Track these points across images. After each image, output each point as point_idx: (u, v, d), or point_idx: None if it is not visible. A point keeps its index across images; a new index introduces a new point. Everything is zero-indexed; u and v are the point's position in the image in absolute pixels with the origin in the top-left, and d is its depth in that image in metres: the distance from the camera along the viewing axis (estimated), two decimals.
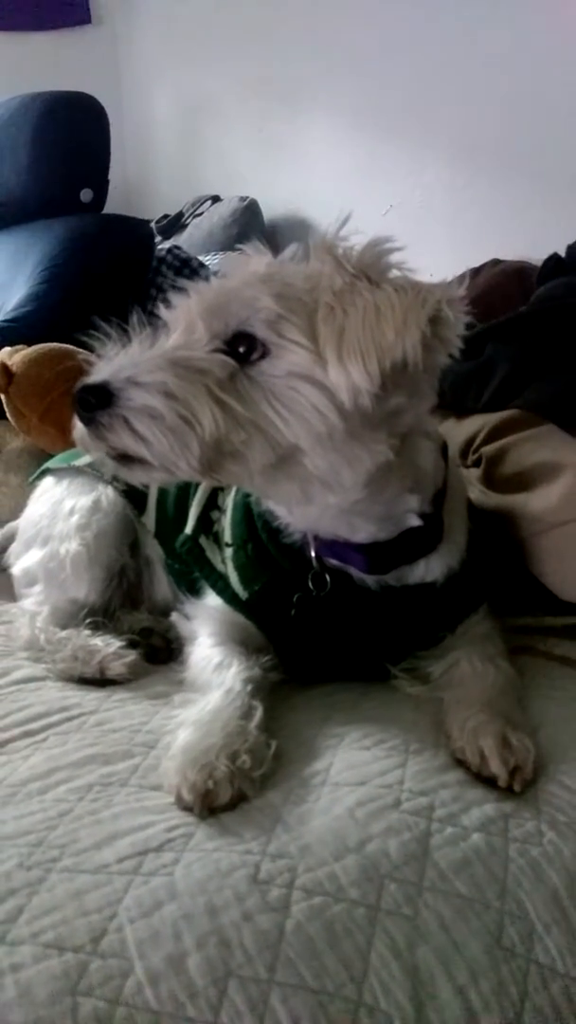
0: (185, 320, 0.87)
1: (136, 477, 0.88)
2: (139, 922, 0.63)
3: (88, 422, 0.84)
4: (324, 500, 0.87)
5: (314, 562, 0.94)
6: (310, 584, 0.94)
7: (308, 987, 0.62)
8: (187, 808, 0.74)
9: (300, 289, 0.84)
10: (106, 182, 2.41)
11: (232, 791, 0.75)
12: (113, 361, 0.85)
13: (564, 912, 0.70)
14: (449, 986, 0.64)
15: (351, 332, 0.80)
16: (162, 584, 1.19)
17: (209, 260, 2.39)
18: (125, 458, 0.84)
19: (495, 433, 1.17)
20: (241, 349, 0.83)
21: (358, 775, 0.80)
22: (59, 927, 0.63)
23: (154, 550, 1.18)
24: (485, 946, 0.67)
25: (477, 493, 1.14)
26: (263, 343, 0.83)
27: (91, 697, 0.97)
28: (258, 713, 0.84)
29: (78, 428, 0.86)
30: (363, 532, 0.92)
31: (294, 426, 0.82)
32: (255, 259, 0.90)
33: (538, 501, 1.04)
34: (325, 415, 0.81)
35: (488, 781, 0.80)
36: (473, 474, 1.17)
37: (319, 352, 0.81)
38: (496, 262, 1.52)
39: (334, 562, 0.94)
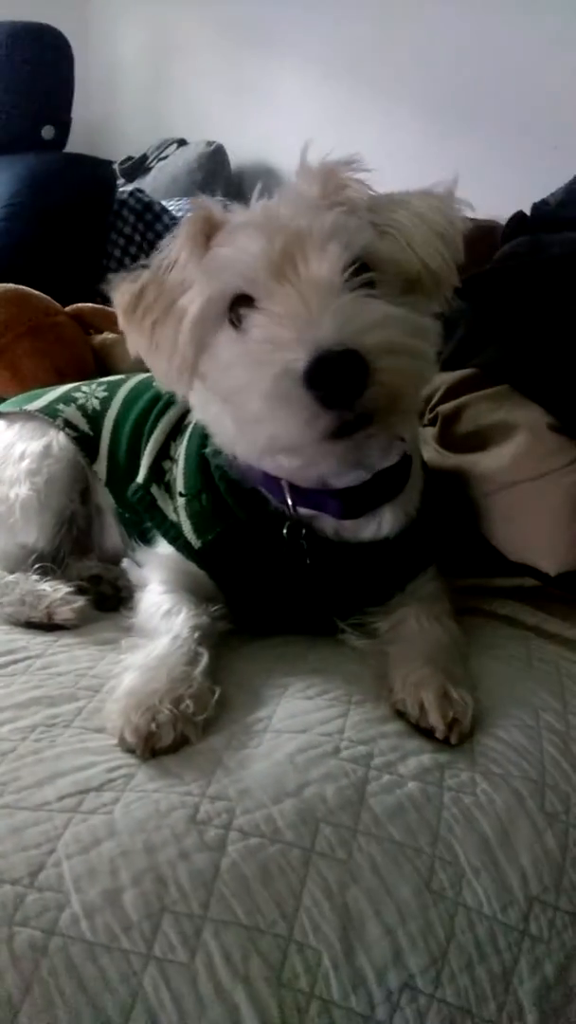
0: (288, 244, 0.81)
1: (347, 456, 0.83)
2: (77, 858, 0.64)
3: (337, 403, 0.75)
4: None
5: (290, 511, 0.93)
6: (284, 533, 0.93)
7: (240, 923, 0.63)
8: (129, 750, 0.75)
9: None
10: (69, 120, 2.35)
11: (175, 734, 0.75)
12: (311, 320, 0.76)
13: (493, 858, 0.73)
14: (378, 926, 0.67)
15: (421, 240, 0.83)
16: (112, 533, 1.18)
17: (172, 205, 2.34)
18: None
19: (451, 392, 1.17)
20: (361, 277, 0.81)
21: (300, 723, 0.81)
22: None
23: (105, 499, 1.17)
24: (415, 889, 0.69)
25: (432, 452, 1.15)
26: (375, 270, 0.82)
27: (38, 641, 0.97)
28: (204, 660, 0.85)
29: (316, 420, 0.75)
30: (348, 477, 0.92)
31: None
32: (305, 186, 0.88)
33: (490, 461, 1.05)
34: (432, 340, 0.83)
35: (426, 733, 0.81)
36: (428, 433, 1.17)
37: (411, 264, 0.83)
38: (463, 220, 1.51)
39: (303, 511, 0.94)
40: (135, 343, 0.91)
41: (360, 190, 0.86)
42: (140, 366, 1.73)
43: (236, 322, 0.84)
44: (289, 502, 0.93)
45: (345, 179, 0.87)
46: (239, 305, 0.83)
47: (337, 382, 0.74)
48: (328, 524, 0.95)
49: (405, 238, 0.85)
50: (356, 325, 0.75)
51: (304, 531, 0.94)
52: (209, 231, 0.88)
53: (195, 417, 0.99)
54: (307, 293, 0.78)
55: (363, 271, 0.81)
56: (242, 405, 0.80)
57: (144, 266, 0.92)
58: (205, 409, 0.94)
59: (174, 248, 0.89)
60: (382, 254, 0.84)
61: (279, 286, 0.80)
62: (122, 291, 0.91)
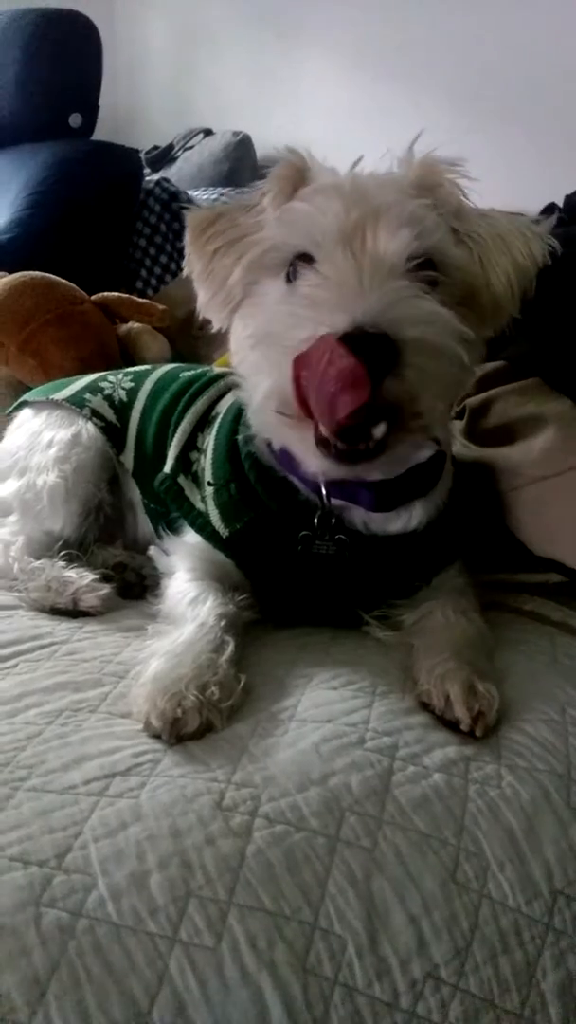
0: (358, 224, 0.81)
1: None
2: (103, 841, 0.65)
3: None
4: None
5: (325, 501, 0.93)
6: (315, 523, 0.94)
7: (265, 909, 0.63)
8: (155, 735, 0.76)
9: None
10: (96, 107, 2.35)
11: (200, 720, 0.76)
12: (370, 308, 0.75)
13: (519, 851, 0.73)
14: (403, 915, 0.67)
15: (495, 261, 0.83)
16: (146, 524, 1.18)
17: (198, 195, 2.34)
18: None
19: (480, 385, 1.17)
20: (423, 273, 0.81)
21: (325, 713, 0.81)
22: (24, 842, 0.64)
23: (133, 490, 1.18)
24: (440, 880, 0.69)
25: (459, 446, 1.14)
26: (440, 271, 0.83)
27: (63, 627, 0.98)
28: (229, 648, 0.85)
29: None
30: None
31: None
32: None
33: (518, 455, 1.05)
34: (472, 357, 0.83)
35: (451, 725, 0.81)
36: (456, 426, 1.17)
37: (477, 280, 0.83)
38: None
39: (334, 502, 0.94)
40: (192, 264, 0.93)
41: (453, 192, 0.86)
42: (164, 356, 1.74)
43: (291, 275, 0.85)
44: (323, 491, 0.93)
45: (443, 177, 0.87)
46: (300, 261, 0.84)
47: (364, 356, 0.73)
48: (357, 516, 0.95)
49: (480, 253, 0.85)
50: (399, 313, 0.75)
51: (334, 521, 0.93)
52: (297, 182, 0.89)
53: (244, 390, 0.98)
54: (364, 266, 0.78)
55: (427, 267, 0.81)
56: (265, 352, 0.81)
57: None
58: (241, 357, 0.94)
59: (263, 189, 0.91)
60: (451, 259, 0.84)
61: (341, 254, 0.80)
62: (198, 213, 0.93)
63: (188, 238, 0.93)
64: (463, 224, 0.86)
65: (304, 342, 0.75)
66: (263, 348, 0.82)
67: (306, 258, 0.83)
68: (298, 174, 0.90)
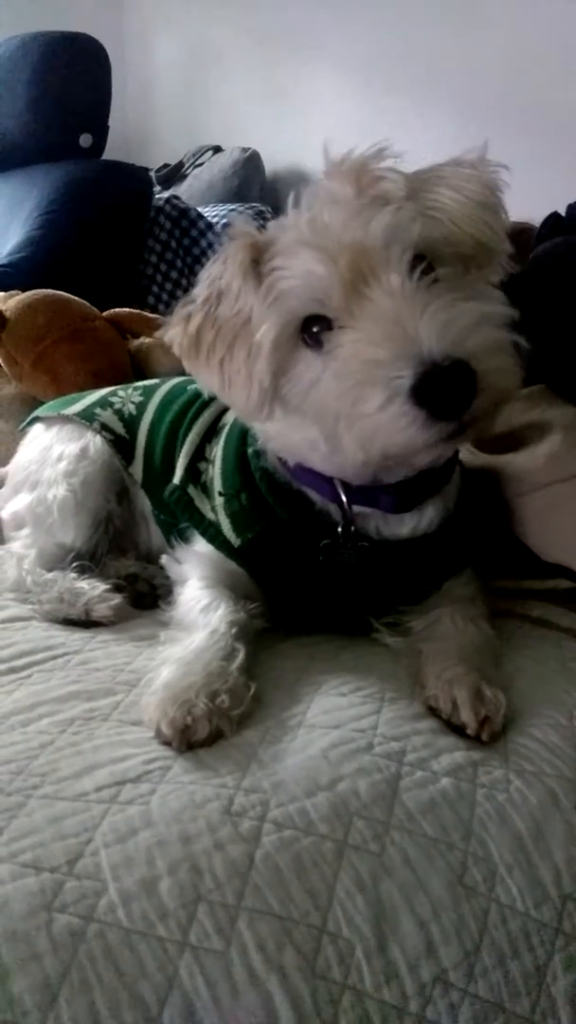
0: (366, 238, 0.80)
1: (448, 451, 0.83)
2: (114, 847, 0.65)
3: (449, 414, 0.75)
4: None
5: (345, 509, 0.94)
6: (339, 532, 0.94)
7: (274, 913, 0.64)
8: (166, 742, 0.77)
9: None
10: (106, 127, 2.38)
11: (210, 728, 0.77)
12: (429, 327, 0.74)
13: (527, 855, 0.73)
14: (411, 919, 0.67)
15: (464, 215, 0.83)
16: (158, 535, 1.19)
17: (208, 212, 2.36)
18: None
19: None
20: (420, 268, 0.80)
21: (333, 719, 0.82)
22: (36, 849, 0.65)
23: (143, 501, 1.19)
24: (448, 884, 0.69)
25: (465, 452, 1.14)
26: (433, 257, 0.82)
27: (75, 638, 0.99)
28: (240, 656, 0.86)
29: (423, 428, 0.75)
30: (401, 471, 0.91)
31: None
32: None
33: (524, 461, 1.05)
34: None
35: (458, 730, 0.82)
36: None
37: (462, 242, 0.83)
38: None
39: (355, 509, 0.94)
40: (206, 382, 0.90)
41: (395, 180, 0.84)
42: (176, 371, 1.75)
43: (311, 343, 0.83)
44: (343, 499, 0.94)
45: (378, 172, 0.85)
46: (310, 325, 0.83)
47: (447, 394, 0.74)
48: (371, 522, 0.96)
49: (449, 217, 0.84)
50: (454, 331, 0.74)
51: (352, 529, 0.94)
52: (256, 256, 0.86)
53: (256, 428, 0.99)
54: (393, 307, 0.76)
55: (426, 267, 0.80)
56: (339, 426, 0.80)
57: (187, 301, 0.90)
58: (271, 427, 0.94)
59: (223, 278, 0.87)
60: (435, 240, 0.83)
61: (356, 303, 0.79)
62: (179, 334, 0.89)
63: (186, 364, 0.90)
64: (419, 201, 0.84)
65: (380, 409, 0.75)
66: (333, 424, 0.81)
67: (316, 320, 0.82)
68: (254, 248, 0.86)
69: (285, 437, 0.94)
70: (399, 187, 0.84)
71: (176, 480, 1.09)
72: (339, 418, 0.80)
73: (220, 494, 1.02)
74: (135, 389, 1.26)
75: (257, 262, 0.86)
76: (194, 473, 1.09)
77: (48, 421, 1.27)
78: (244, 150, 2.64)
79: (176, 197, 2.36)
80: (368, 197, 0.83)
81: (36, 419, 1.31)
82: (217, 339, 0.86)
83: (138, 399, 1.22)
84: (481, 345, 0.75)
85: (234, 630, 0.90)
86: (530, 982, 0.68)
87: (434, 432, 0.75)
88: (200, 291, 0.89)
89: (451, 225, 0.84)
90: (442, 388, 0.73)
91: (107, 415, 1.20)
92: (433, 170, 0.88)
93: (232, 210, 2.35)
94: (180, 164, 2.83)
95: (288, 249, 0.84)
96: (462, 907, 0.69)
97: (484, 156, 0.89)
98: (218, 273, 0.88)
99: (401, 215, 0.81)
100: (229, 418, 1.10)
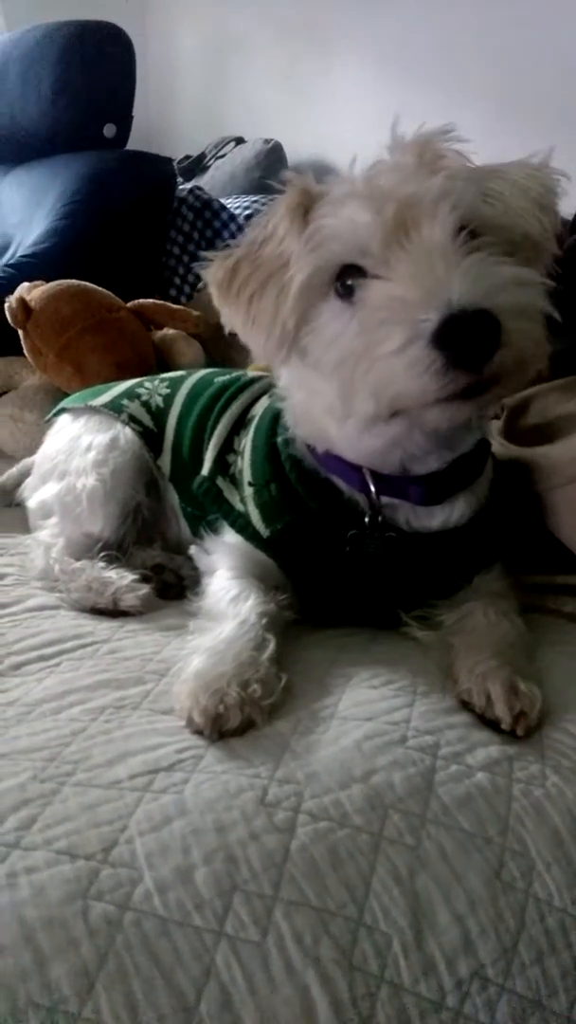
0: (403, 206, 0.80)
1: (462, 413, 0.80)
2: (149, 835, 0.65)
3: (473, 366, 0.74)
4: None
5: (373, 499, 0.93)
6: (367, 522, 0.94)
7: (311, 905, 0.63)
8: (197, 731, 0.76)
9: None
10: (130, 117, 2.37)
11: (242, 717, 0.76)
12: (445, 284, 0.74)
13: (565, 851, 0.72)
14: (448, 913, 0.66)
15: (521, 207, 0.83)
16: (187, 528, 1.19)
17: (231, 203, 2.36)
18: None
19: None
20: (473, 242, 0.80)
21: (366, 711, 0.81)
22: (71, 836, 0.64)
23: (171, 494, 1.19)
24: (485, 878, 0.68)
25: (496, 445, 1.13)
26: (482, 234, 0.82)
27: (104, 627, 0.99)
28: (271, 646, 0.85)
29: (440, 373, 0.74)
30: (431, 461, 0.92)
31: None
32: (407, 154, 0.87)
33: (560, 453, 1.04)
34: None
35: (492, 724, 0.81)
36: (494, 426, 1.16)
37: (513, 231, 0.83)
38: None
39: (384, 500, 0.94)
40: (231, 318, 0.90)
41: (458, 159, 0.85)
42: (199, 362, 1.75)
43: (342, 293, 0.83)
44: (372, 488, 0.93)
45: (442, 148, 0.86)
46: (345, 276, 0.83)
47: (469, 342, 0.73)
48: (401, 513, 0.95)
49: (504, 205, 0.84)
50: (487, 284, 0.74)
51: (381, 519, 0.94)
52: (307, 204, 0.87)
53: (283, 399, 0.99)
54: (429, 255, 0.76)
55: (470, 236, 0.80)
56: (355, 371, 0.79)
57: (232, 247, 0.92)
58: (295, 390, 0.94)
59: (271, 222, 0.88)
60: (488, 219, 0.83)
61: (394, 253, 0.79)
62: (215, 268, 0.90)
63: (216, 296, 0.90)
64: (480, 185, 0.84)
65: (399, 351, 0.74)
66: (350, 371, 0.80)
67: (352, 270, 0.82)
68: (305, 195, 0.87)
69: (307, 410, 0.94)
70: (460, 165, 0.84)
71: (205, 472, 1.08)
72: (358, 363, 0.79)
73: (250, 484, 1.02)
74: (161, 381, 1.25)
75: (307, 209, 0.86)
76: (223, 465, 1.08)
77: (75, 412, 1.27)
78: (266, 141, 2.63)
79: (199, 188, 2.35)
80: (428, 168, 0.84)
81: (62, 410, 1.30)
82: (252, 276, 0.87)
83: (165, 391, 1.22)
84: (511, 303, 0.74)
85: (264, 620, 0.89)
86: (568, 979, 0.67)
87: (450, 381, 0.74)
88: (248, 233, 0.90)
89: (503, 211, 0.84)
90: (465, 334, 0.72)
91: (135, 407, 1.20)
92: (496, 165, 0.89)
93: (255, 202, 2.34)
94: (202, 155, 2.83)
95: (338, 200, 0.85)
96: (499, 902, 0.68)
97: (548, 162, 0.89)
98: (269, 217, 0.89)
99: (455, 182, 0.81)
100: (257, 410, 1.09)
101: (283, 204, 0.87)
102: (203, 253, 0.93)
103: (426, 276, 0.75)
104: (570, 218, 0.93)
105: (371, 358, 0.77)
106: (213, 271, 0.91)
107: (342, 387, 0.82)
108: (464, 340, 0.73)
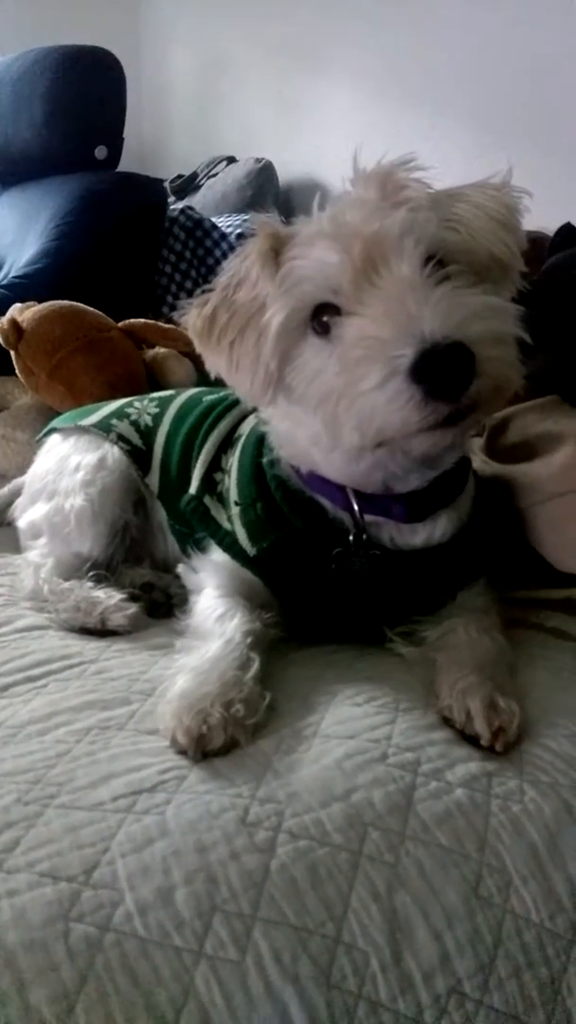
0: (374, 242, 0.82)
1: (445, 439, 0.82)
2: (130, 856, 0.66)
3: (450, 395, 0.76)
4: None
5: (357, 518, 0.95)
6: (351, 540, 0.95)
7: (289, 923, 0.64)
8: (181, 751, 0.77)
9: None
10: (121, 139, 2.40)
11: (225, 737, 0.77)
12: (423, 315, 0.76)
13: (541, 866, 0.73)
14: (426, 930, 0.67)
15: (485, 230, 0.85)
16: (175, 545, 1.20)
17: (222, 222, 2.38)
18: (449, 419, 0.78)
19: None
20: (440, 272, 0.82)
21: (348, 729, 0.82)
22: (54, 858, 0.65)
23: (159, 512, 1.20)
24: (463, 895, 0.69)
25: (479, 463, 1.15)
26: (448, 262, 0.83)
27: (92, 647, 1.00)
28: (255, 665, 0.86)
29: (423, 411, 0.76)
30: (413, 480, 0.93)
31: None
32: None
33: (539, 471, 1.05)
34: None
35: (472, 740, 0.82)
36: (475, 443, 1.18)
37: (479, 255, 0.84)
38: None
39: (368, 518, 0.95)
40: (214, 364, 0.92)
41: (419, 188, 0.87)
42: (190, 381, 1.76)
43: (319, 330, 0.85)
44: (355, 507, 0.94)
45: (403, 179, 0.88)
46: (321, 314, 0.85)
47: (445, 374, 0.75)
48: (384, 531, 0.97)
49: (468, 229, 0.86)
50: (459, 316, 0.76)
51: (365, 537, 0.95)
52: (277, 247, 0.89)
53: (270, 431, 1.01)
54: (399, 291, 0.78)
55: (438, 265, 0.82)
56: (338, 407, 0.81)
57: (207, 289, 0.93)
58: (279, 423, 0.96)
59: (243, 267, 0.90)
60: (452, 246, 0.84)
61: (365, 291, 0.81)
62: (194, 316, 0.92)
63: (197, 344, 0.93)
64: (442, 212, 0.86)
65: (378, 386, 0.76)
66: (333, 407, 0.82)
67: (326, 309, 0.84)
68: (275, 240, 0.89)
69: (292, 438, 0.96)
70: (423, 195, 0.86)
71: (192, 490, 1.10)
72: (340, 399, 0.81)
73: (236, 504, 1.03)
74: (151, 400, 1.27)
75: (277, 252, 0.88)
76: (210, 484, 1.10)
77: (65, 432, 1.29)
78: (258, 160, 2.66)
79: (190, 207, 2.37)
80: (391, 202, 0.85)
81: (53, 430, 1.32)
82: (230, 322, 0.89)
83: (154, 410, 1.23)
84: (483, 333, 0.76)
85: (249, 639, 0.90)
86: (545, 993, 0.68)
87: (431, 412, 0.76)
88: (221, 279, 0.92)
89: (468, 236, 0.86)
90: (441, 367, 0.74)
91: (124, 426, 1.21)
92: (457, 189, 0.91)
93: (245, 220, 2.36)
94: (194, 175, 2.85)
95: (307, 240, 0.87)
96: (477, 918, 0.69)
97: (508, 180, 0.91)
98: (240, 261, 0.91)
99: (419, 215, 0.83)
100: (245, 429, 1.11)
101: (254, 249, 0.89)
102: (180, 302, 0.94)
103: (398, 312, 0.77)
104: (530, 233, 0.94)
105: (352, 395, 0.79)
106: (192, 320, 0.92)
107: (327, 421, 0.84)
108: (440, 372, 0.75)
